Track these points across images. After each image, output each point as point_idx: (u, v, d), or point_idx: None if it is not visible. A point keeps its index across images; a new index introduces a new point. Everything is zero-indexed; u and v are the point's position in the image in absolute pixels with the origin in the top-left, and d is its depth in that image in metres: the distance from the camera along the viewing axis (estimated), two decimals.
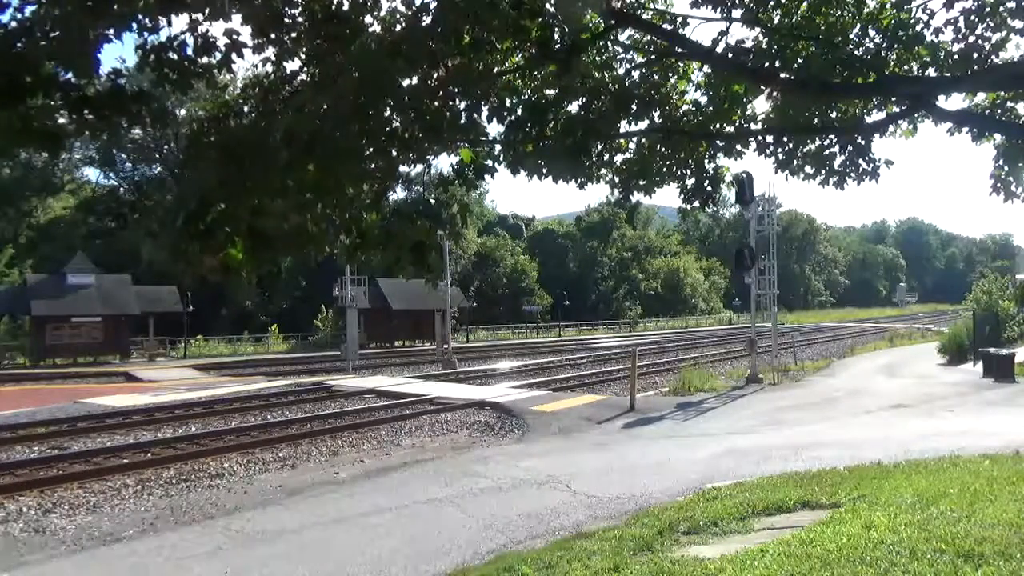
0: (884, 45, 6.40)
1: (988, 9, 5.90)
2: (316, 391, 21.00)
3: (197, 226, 3.95)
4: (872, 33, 6.48)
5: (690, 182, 6.82)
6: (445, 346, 29.80)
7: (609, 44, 6.50)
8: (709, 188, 6.77)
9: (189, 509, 8.92)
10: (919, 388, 17.92)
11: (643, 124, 6.37)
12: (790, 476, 8.19)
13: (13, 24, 3.42)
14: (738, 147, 6.70)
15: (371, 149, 4.54)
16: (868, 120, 6.84)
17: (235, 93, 5.00)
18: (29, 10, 3.44)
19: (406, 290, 43.21)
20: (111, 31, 3.53)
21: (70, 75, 3.51)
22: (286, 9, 4.37)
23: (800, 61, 6.30)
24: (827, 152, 6.81)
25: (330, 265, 37.57)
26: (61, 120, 3.63)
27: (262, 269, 4.28)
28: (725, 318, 77.05)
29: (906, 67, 6.42)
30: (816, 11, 6.38)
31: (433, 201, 4.83)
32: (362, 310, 36.54)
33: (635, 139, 6.74)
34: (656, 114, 6.47)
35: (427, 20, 4.54)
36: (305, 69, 4.63)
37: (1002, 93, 6.44)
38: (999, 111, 6.55)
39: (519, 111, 5.79)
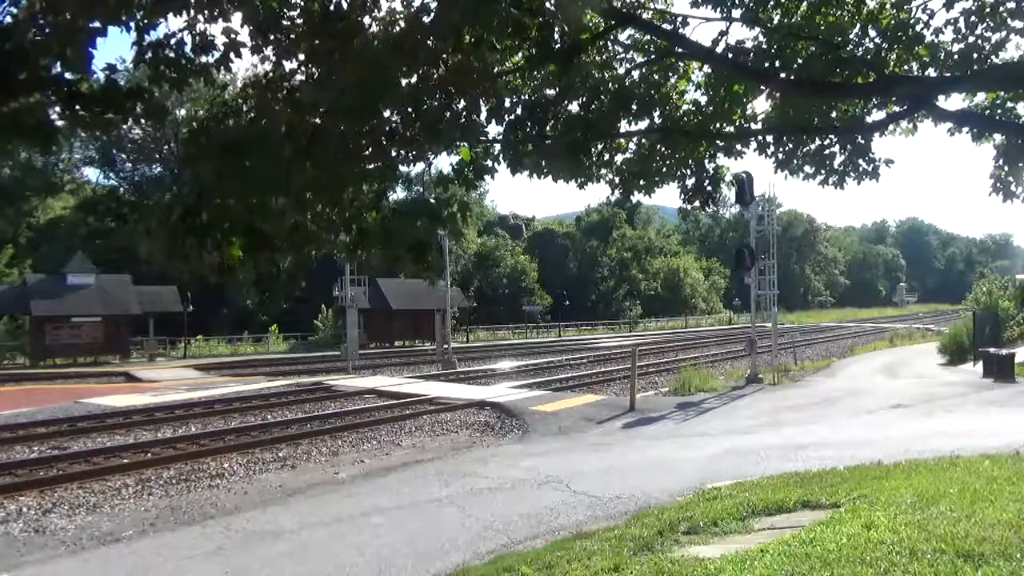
0: (884, 45, 6.41)
1: (988, 9, 5.90)
2: (316, 391, 20.99)
3: (194, 222, 3.93)
4: (872, 33, 6.49)
5: (690, 182, 6.84)
6: (445, 346, 29.79)
7: (609, 44, 6.51)
8: (709, 188, 6.78)
9: (189, 509, 8.92)
10: (919, 388, 17.90)
11: (643, 124, 6.38)
12: (790, 476, 8.18)
13: (7, 19, 3.41)
14: (738, 147, 6.71)
15: (370, 148, 4.54)
16: (868, 120, 6.85)
17: (235, 93, 4.99)
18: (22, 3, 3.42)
19: (406, 290, 43.21)
20: (105, 26, 3.51)
21: (64, 71, 3.48)
22: (284, 11, 4.37)
23: (800, 61, 6.31)
24: (827, 152, 6.82)
25: (330, 265, 37.56)
26: (54, 117, 3.59)
27: (261, 268, 4.27)
28: (725, 318, 77.02)
29: (906, 67, 6.43)
30: (816, 11, 6.39)
31: (433, 200, 4.81)
32: (362, 310, 36.52)
33: (635, 139, 6.75)
34: (656, 114, 6.48)
35: (427, 19, 4.54)
36: (303, 69, 4.62)
37: (1002, 93, 6.45)
38: (999, 111, 6.56)
39: (519, 111, 5.80)
